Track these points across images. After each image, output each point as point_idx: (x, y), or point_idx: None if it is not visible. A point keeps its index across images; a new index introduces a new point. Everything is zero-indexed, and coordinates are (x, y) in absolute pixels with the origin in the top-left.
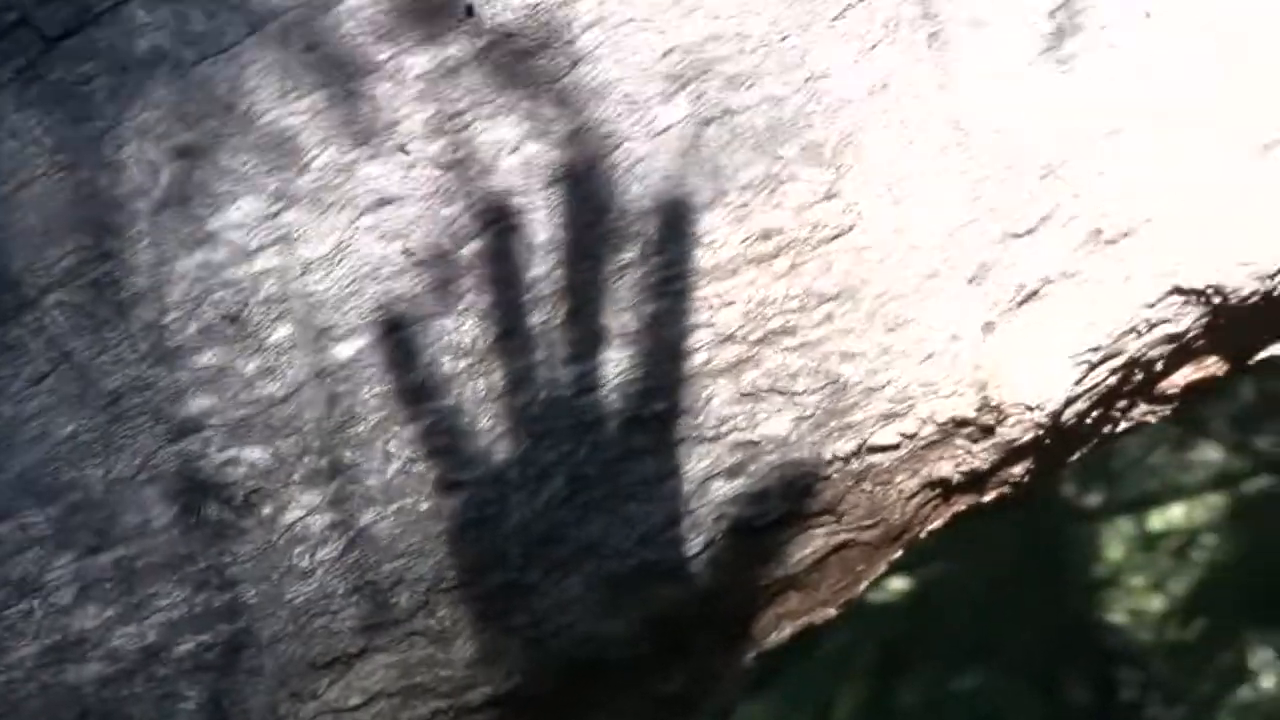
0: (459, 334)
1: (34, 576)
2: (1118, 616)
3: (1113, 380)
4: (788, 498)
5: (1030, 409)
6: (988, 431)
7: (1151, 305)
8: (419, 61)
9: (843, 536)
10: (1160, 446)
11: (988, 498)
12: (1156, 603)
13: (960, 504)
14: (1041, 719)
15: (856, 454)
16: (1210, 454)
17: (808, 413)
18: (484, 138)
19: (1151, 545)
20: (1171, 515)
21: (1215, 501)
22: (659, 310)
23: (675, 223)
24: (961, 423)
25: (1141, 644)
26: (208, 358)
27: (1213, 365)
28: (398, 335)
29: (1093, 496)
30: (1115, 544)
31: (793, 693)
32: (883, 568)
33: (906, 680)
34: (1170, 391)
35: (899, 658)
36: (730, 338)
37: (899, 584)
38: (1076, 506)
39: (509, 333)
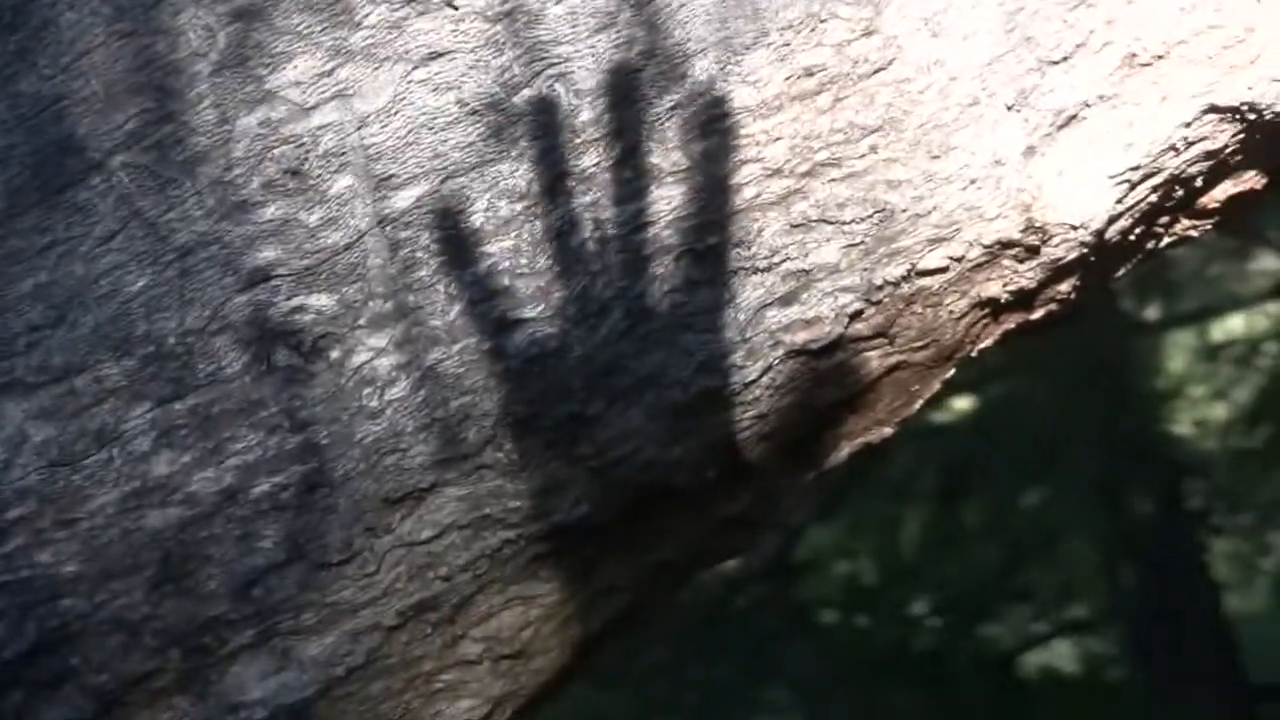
0: (514, 178)
1: (111, 426)
2: (1181, 427)
3: (1154, 198)
4: (840, 322)
5: (1074, 228)
6: (1033, 251)
7: (1188, 124)
8: None
9: (896, 358)
10: (1218, 257)
11: (1036, 315)
12: (1219, 411)
13: (1009, 322)
14: (1107, 531)
15: (906, 278)
16: (1269, 263)
17: (856, 240)
18: None
19: (1213, 355)
20: (1232, 325)
21: (1275, 310)
22: (708, 148)
23: (719, 63)
24: (1007, 244)
25: (1206, 453)
26: (272, 211)
27: (1251, 179)
28: (455, 182)
29: (1152, 309)
30: (1177, 355)
31: (860, 516)
32: (936, 386)
33: (970, 500)
34: (1211, 206)
35: (962, 478)
36: (778, 171)
37: (961, 404)
38: (1136, 320)
39: (562, 175)
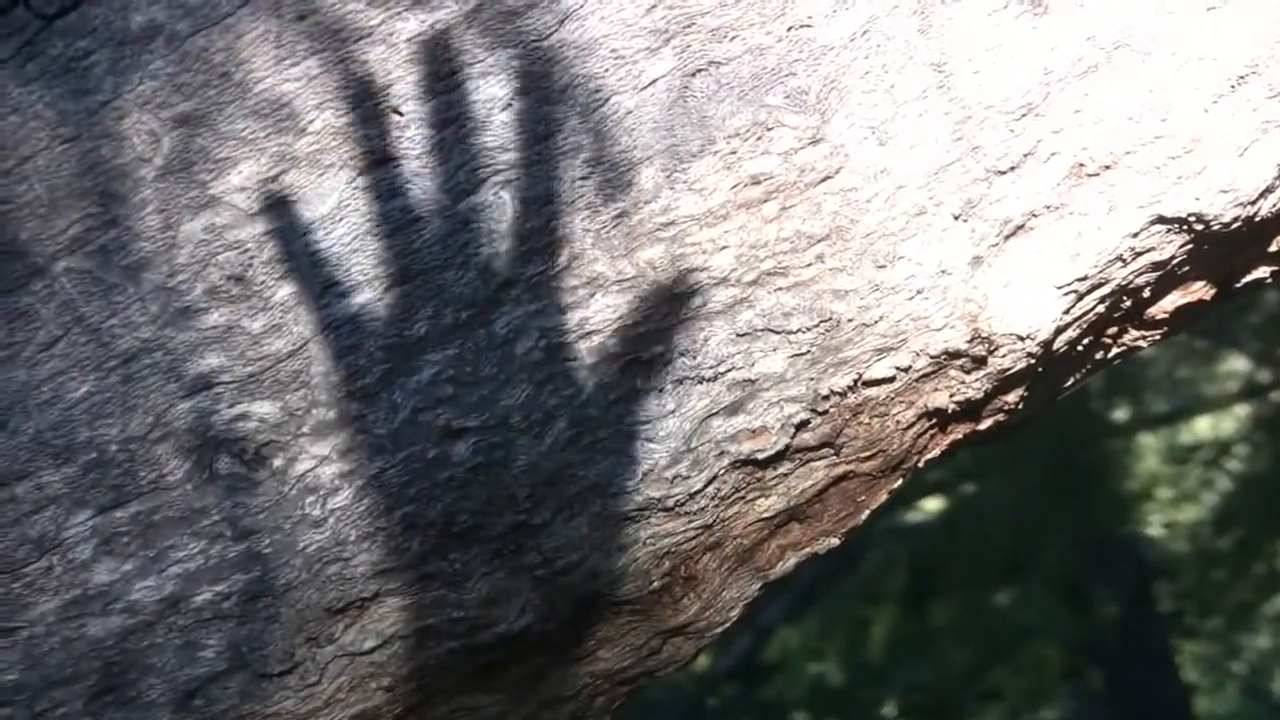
0: (459, 286)
1: (52, 534)
2: (1151, 529)
3: (1101, 308)
4: (786, 432)
5: (1021, 339)
6: (980, 362)
7: (1135, 234)
8: (409, 25)
9: (842, 468)
10: (1187, 359)
11: (983, 425)
12: (1189, 514)
13: (957, 433)
14: (1077, 633)
15: (853, 388)
16: (1237, 364)
17: (803, 350)
18: (476, 96)
19: (1182, 457)
20: (1201, 427)
21: (1243, 412)
22: (653, 256)
23: (665, 171)
24: (954, 354)
25: (1175, 556)
26: (215, 317)
27: (1199, 290)
28: (400, 289)
29: (1121, 411)
30: (1146, 457)
31: (829, 616)
32: (883, 497)
33: (939, 600)
34: (1159, 317)
35: (932, 578)
36: (724, 280)
37: (931, 504)
38: (1106, 422)
39: (510, 282)
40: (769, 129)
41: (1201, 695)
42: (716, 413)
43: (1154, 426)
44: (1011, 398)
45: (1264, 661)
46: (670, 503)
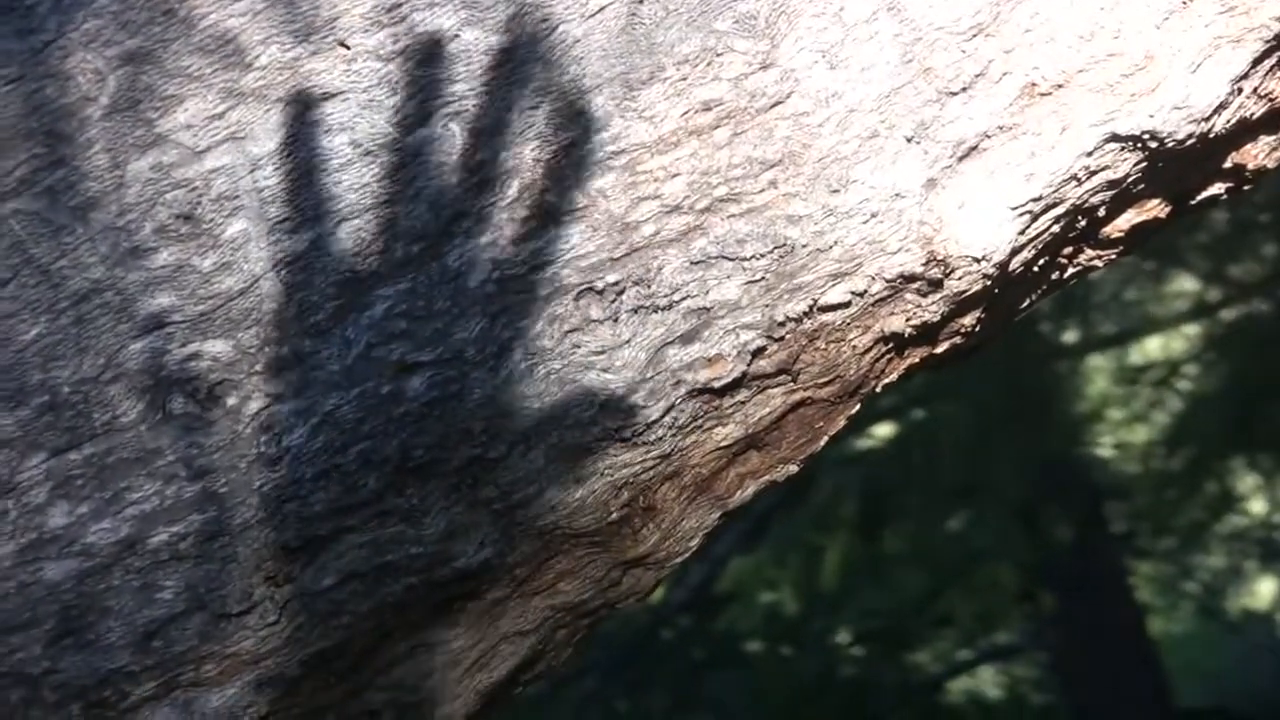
0: (410, 220)
1: (5, 478)
2: (1102, 451)
3: (1056, 228)
4: (742, 359)
5: (976, 260)
6: (936, 285)
7: (1089, 154)
8: None
9: (800, 395)
10: (1136, 280)
11: (940, 349)
12: (1140, 434)
13: (914, 357)
14: (1029, 556)
15: (808, 314)
16: (1185, 284)
17: (757, 276)
18: (423, 27)
19: (1132, 378)
20: (1150, 347)
21: (1193, 331)
22: (605, 185)
23: (615, 99)
24: (910, 277)
25: (1127, 476)
26: (165, 256)
27: (1155, 208)
28: (350, 224)
29: (1071, 333)
30: (1096, 379)
31: (782, 545)
32: (841, 423)
33: (892, 527)
34: (1115, 236)
35: (884, 505)
36: (677, 208)
37: (881, 430)
38: (1055, 344)
39: (461, 215)
40: (718, 54)
41: (1155, 615)
42: (672, 341)
43: (1103, 348)
44: (968, 320)
45: (1217, 580)
46: (627, 433)
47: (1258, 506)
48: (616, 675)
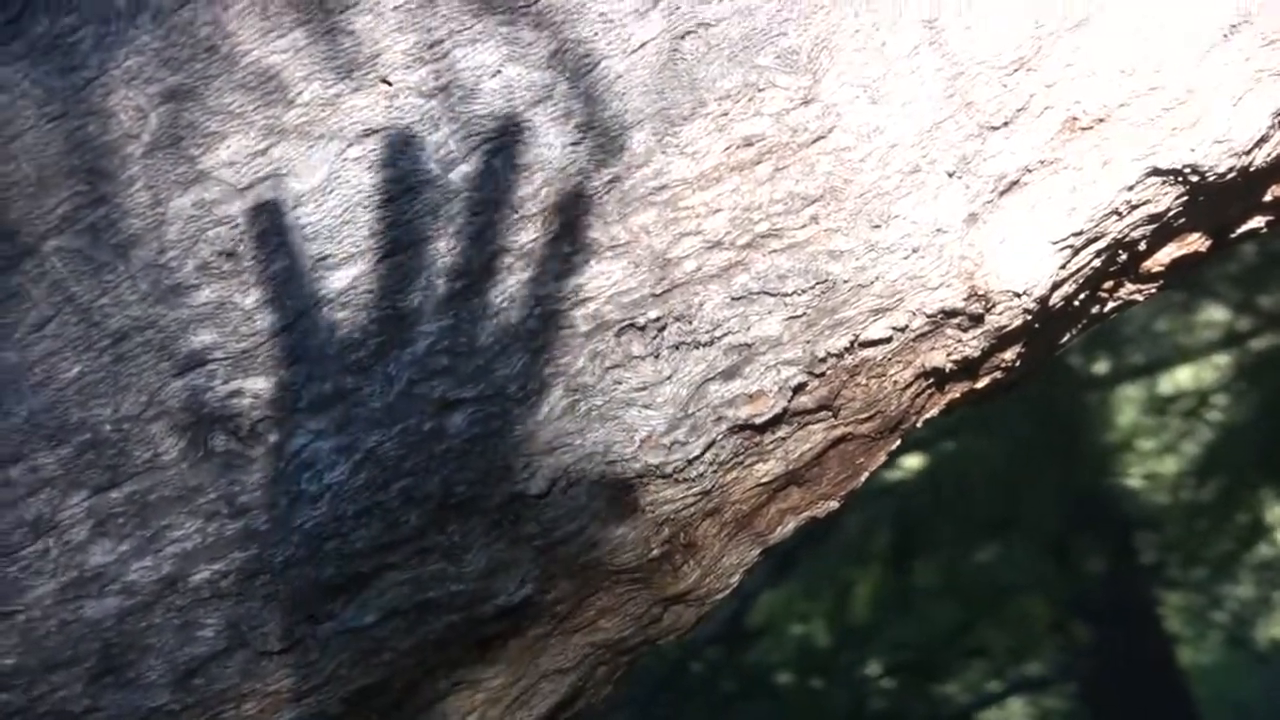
0: (452, 256)
1: (48, 516)
2: (1132, 481)
3: (1097, 263)
4: (784, 395)
5: (1018, 295)
6: (977, 320)
7: (1131, 188)
8: None
9: (840, 430)
10: (1166, 311)
11: (981, 384)
12: (1170, 465)
13: (955, 391)
14: (1060, 587)
15: (849, 349)
16: (1215, 315)
17: (799, 312)
18: (465, 64)
19: (1162, 409)
20: (1180, 378)
21: (1223, 361)
22: (646, 221)
23: (657, 135)
24: (951, 313)
25: (1157, 507)
26: (207, 294)
27: (1195, 242)
28: (392, 260)
29: (1101, 364)
30: (1126, 409)
31: (812, 577)
32: (882, 458)
33: (922, 559)
34: (1155, 270)
35: (915, 537)
36: (718, 244)
37: (912, 462)
38: (1086, 375)
39: (502, 251)
40: (760, 90)
41: (1185, 646)
42: (713, 378)
43: (1134, 378)
44: (1009, 355)
45: (1246, 611)
46: (668, 469)
47: None
48: (647, 708)
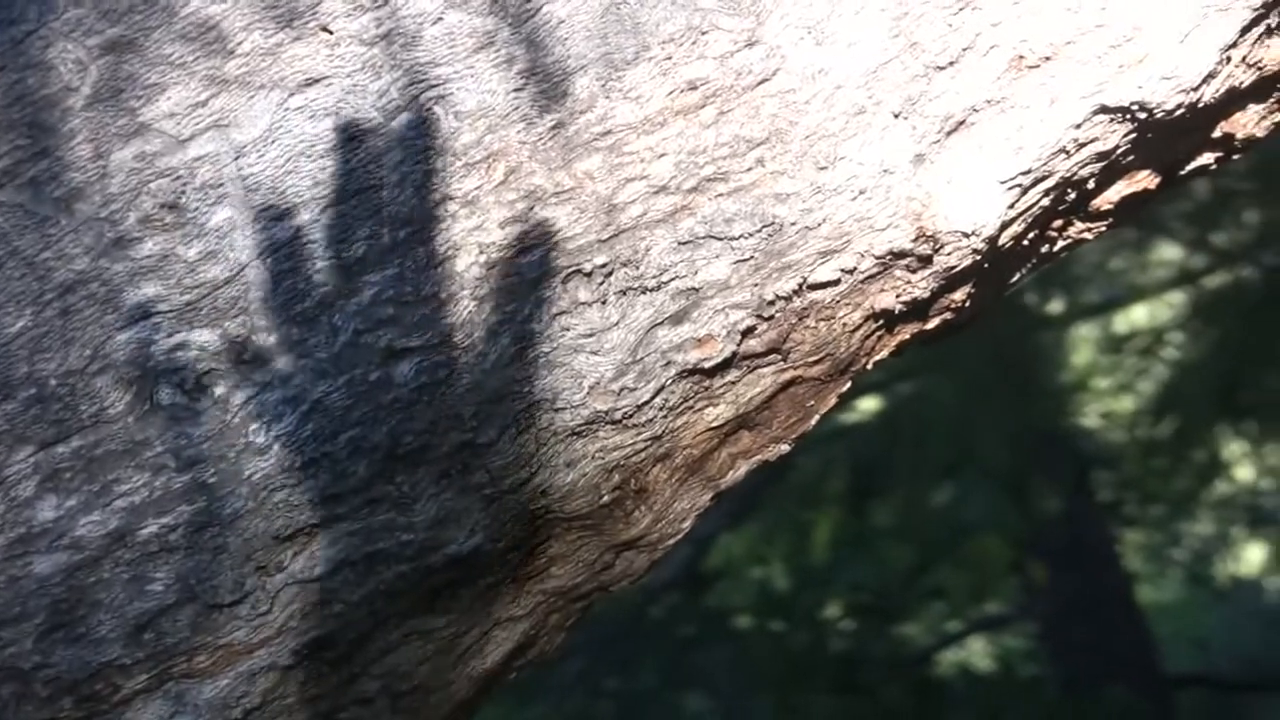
0: (396, 205)
1: None
2: (1089, 420)
3: (1046, 201)
4: (732, 339)
5: (966, 235)
6: (925, 261)
7: (1078, 125)
8: None
9: (790, 373)
10: (1119, 249)
11: (931, 325)
12: (1126, 403)
13: (904, 333)
14: (1018, 527)
15: (798, 292)
16: (1169, 253)
17: (746, 256)
18: (406, 11)
19: (1117, 347)
20: (1135, 316)
21: (1177, 299)
22: (591, 167)
23: (600, 79)
24: (899, 254)
25: (1114, 446)
26: (150, 246)
27: (1144, 179)
28: (335, 210)
29: (1055, 303)
30: (1082, 349)
31: (770, 521)
32: (832, 401)
33: (880, 500)
34: (1104, 208)
35: (872, 478)
36: (664, 189)
37: (868, 404)
38: (1040, 315)
39: (446, 199)
40: (703, 33)
41: (1144, 583)
42: (661, 323)
43: (1089, 317)
44: (958, 296)
45: (1205, 548)
46: (618, 415)
47: (1245, 473)
48: (605, 653)
